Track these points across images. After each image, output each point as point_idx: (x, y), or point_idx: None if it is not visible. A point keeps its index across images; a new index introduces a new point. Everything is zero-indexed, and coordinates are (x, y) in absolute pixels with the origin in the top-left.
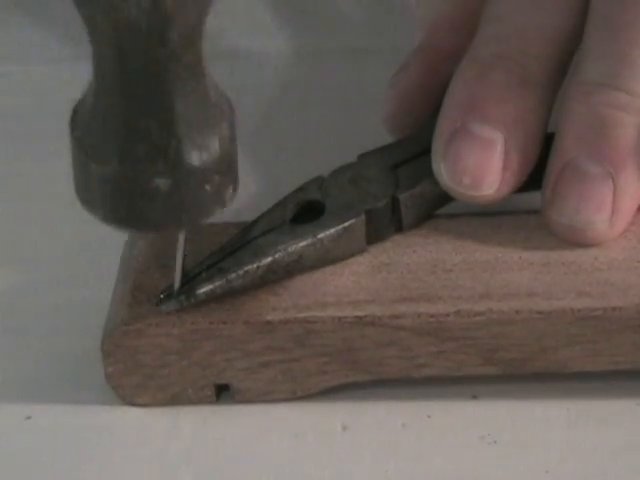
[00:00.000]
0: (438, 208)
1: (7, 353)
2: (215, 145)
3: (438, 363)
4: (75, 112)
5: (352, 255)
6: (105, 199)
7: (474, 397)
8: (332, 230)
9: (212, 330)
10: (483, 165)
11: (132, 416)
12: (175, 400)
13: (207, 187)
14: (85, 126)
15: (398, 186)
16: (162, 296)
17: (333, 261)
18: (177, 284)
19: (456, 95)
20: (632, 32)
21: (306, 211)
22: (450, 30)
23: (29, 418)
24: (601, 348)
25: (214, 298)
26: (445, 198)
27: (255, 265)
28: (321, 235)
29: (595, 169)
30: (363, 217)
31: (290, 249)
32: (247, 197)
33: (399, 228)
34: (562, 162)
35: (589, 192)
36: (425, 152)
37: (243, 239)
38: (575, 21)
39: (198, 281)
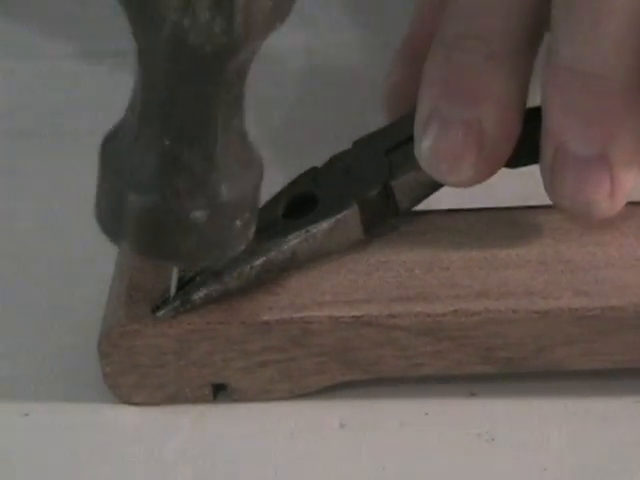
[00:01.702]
0: (434, 191)
1: (5, 351)
2: (248, 183)
3: (435, 362)
4: (110, 139)
5: (350, 246)
6: (138, 229)
7: (472, 395)
8: (324, 224)
9: (209, 330)
10: (459, 149)
11: (130, 414)
12: (172, 399)
13: (238, 222)
14: (124, 154)
15: (391, 172)
16: (158, 303)
17: (329, 254)
18: (173, 289)
19: (427, 79)
20: (594, 13)
21: (300, 205)
22: (430, 13)
23: (27, 415)
24: (598, 347)
25: (210, 302)
26: (436, 182)
27: (249, 266)
28: (313, 230)
29: (586, 150)
30: (356, 207)
31: (283, 247)
32: None
33: (395, 214)
34: (553, 146)
35: (585, 174)
36: None
37: None
38: None
39: (193, 286)
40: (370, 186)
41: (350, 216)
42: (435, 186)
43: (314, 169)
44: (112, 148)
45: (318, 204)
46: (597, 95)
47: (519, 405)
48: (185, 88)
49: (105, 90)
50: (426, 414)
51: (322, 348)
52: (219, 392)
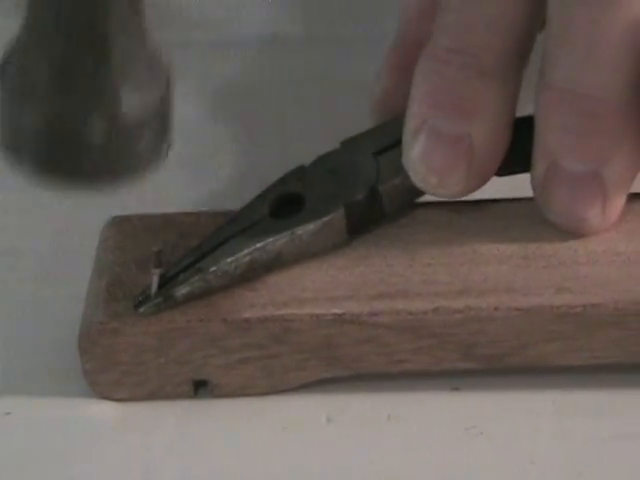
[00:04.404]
0: (420, 196)
1: None
2: (152, 97)
3: (417, 359)
4: (6, 59)
5: (334, 248)
6: (36, 150)
7: (455, 389)
8: (311, 225)
9: (189, 328)
10: (448, 163)
11: (114, 410)
12: (153, 396)
13: (143, 140)
14: (17, 73)
15: (379, 176)
16: (140, 299)
17: (314, 255)
18: (154, 287)
19: (417, 90)
20: (590, 35)
21: (286, 204)
22: (418, 18)
23: (8, 414)
24: (580, 344)
25: (193, 299)
26: None
27: (233, 265)
28: (299, 231)
29: (580, 168)
30: (342, 211)
31: (269, 247)
32: (230, 187)
33: (381, 218)
34: (546, 162)
35: (578, 192)
36: None
37: (221, 237)
38: (531, 9)
39: (176, 282)
40: (358, 189)
41: (336, 219)
42: (422, 192)
43: (301, 168)
44: (8, 68)
45: (305, 205)
46: (592, 116)
47: (506, 399)
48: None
49: None
50: (414, 408)
51: (303, 345)
52: (199, 388)
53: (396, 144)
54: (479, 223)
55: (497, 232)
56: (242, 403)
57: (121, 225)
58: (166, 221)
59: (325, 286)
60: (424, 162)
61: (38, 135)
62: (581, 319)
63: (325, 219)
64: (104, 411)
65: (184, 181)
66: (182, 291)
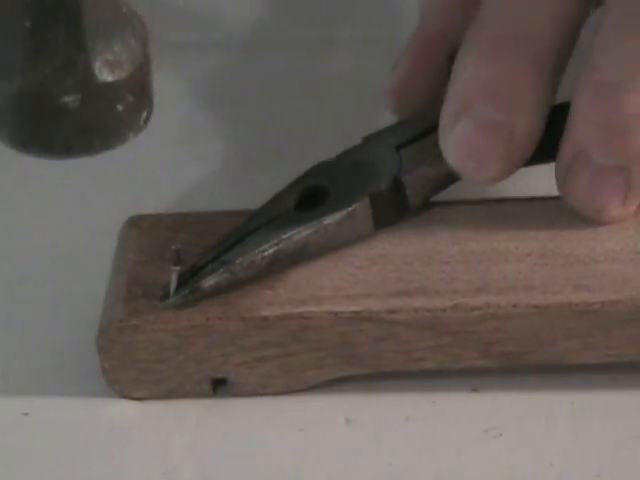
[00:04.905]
0: (444, 188)
1: (3, 349)
2: (127, 61)
3: (435, 357)
4: None
5: (359, 239)
6: (10, 119)
7: (474, 390)
8: (336, 216)
9: (208, 326)
10: (488, 149)
11: (132, 409)
12: (171, 394)
13: (119, 107)
14: None
15: (401, 167)
16: (165, 291)
17: (339, 247)
18: (174, 284)
19: (464, 74)
20: None
21: (311, 197)
22: (443, 9)
23: (27, 415)
24: (598, 341)
25: (219, 291)
26: (450, 178)
27: (259, 256)
28: (325, 222)
29: (608, 162)
30: (367, 201)
31: (295, 238)
32: (252, 186)
33: (406, 210)
34: (574, 150)
35: (602, 182)
36: (428, 132)
37: (247, 229)
38: (581, 3)
39: (203, 274)
40: (381, 180)
41: (361, 209)
42: (445, 183)
43: (325, 162)
44: None
45: (330, 197)
46: (628, 114)
47: (525, 401)
48: None
49: None
50: (433, 409)
51: (321, 343)
52: (218, 387)
53: (417, 138)
54: (497, 221)
55: (515, 230)
56: (260, 403)
57: (139, 224)
58: (183, 220)
59: (343, 284)
60: (464, 146)
61: (13, 103)
62: (599, 317)
63: (350, 209)
64: (123, 410)
65: (201, 181)
66: (209, 282)
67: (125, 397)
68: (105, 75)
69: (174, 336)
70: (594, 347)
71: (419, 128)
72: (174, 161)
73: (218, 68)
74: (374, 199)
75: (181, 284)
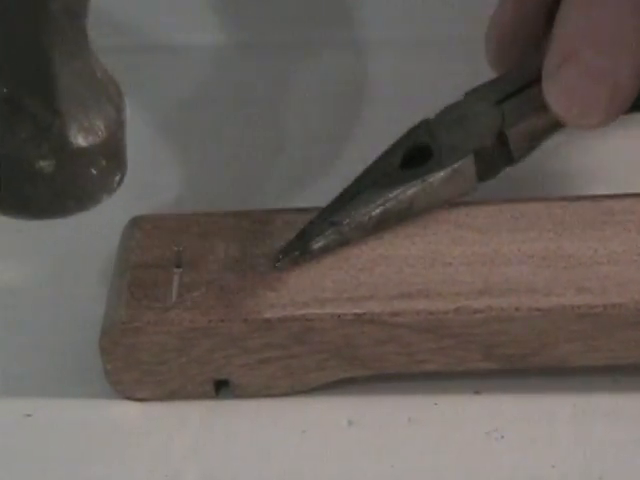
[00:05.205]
0: (548, 138)
1: (6, 350)
2: (101, 127)
3: (437, 359)
4: None
5: (463, 195)
6: None
7: (476, 393)
8: (441, 173)
9: (210, 328)
10: (593, 96)
11: (134, 411)
12: (174, 395)
13: (93, 171)
14: None
15: (504, 121)
16: (277, 254)
17: (444, 203)
18: (175, 286)
19: (569, 20)
20: None
21: (415, 156)
22: None
23: (29, 416)
24: (600, 344)
25: (328, 251)
26: (552, 128)
27: (367, 217)
28: (430, 179)
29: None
30: (472, 157)
31: (400, 197)
32: (252, 186)
33: (509, 163)
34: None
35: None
36: (529, 85)
37: (354, 190)
38: None
39: (311, 236)
40: (485, 135)
41: (466, 165)
42: (549, 133)
43: (426, 121)
44: None
45: (433, 154)
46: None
47: (527, 403)
48: (13, 29)
49: None
50: (435, 411)
51: (324, 345)
52: (221, 388)
53: (518, 92)
54: (499, 223)
55: (517, 232)
56: (263, 405)
57: (141, 226)
58: (185, 221)
59: (345, 286)
60: (570, 92)
61: None
62: (601, 319)
63: (455, 166)
64: (125, 412)
65: (202, 181)
66: (318, 244)
67: (128, 398)
68: (80, 141)
69: (177, 338)
70: (596, 350)
71: (519, 82)
72: (175, 161)
73: (218, 68)
74: (479, 155)
75: (291, 246)
